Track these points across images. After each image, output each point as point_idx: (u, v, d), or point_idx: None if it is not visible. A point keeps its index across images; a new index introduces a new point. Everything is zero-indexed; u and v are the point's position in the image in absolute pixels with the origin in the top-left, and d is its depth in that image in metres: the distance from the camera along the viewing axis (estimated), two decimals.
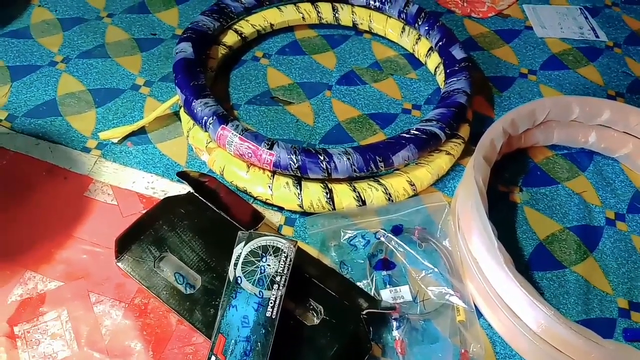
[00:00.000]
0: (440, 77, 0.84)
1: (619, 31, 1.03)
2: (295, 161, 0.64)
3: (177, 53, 0.76)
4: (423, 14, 0.86)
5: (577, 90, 0.90)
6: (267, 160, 0.65)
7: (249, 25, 0.87)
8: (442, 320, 0.60)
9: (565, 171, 0.78)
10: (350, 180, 0.69)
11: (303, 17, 0.91)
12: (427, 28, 0.85)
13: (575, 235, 0.71)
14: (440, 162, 0.72)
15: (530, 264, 0.68)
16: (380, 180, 0.69)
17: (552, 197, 0.75)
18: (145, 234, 0.60)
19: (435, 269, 0.63)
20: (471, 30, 0.98)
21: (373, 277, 0.63)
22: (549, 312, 0.54)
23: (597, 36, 1.01)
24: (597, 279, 0.67)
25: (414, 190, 0.70)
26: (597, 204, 0.75)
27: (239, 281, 0.53)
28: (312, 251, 0.65)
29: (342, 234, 0.66)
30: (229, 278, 0.54)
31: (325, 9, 0.91)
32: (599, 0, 1.09)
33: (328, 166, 0.65)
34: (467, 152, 0.76)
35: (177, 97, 0.73)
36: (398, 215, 0.68)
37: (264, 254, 0.55)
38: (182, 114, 0.75)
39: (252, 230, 0.58)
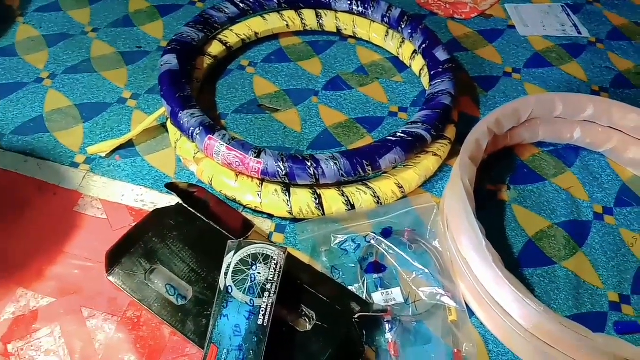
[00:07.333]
0: (425, 79, 0.85)
1: (601, 27, 1.04)
2: (283, 168, 0.65)
3: (162, 65, 0.76)
4: (406, 17, 0.87)
5: (561, 87, 0.91)
6: (255, 169, 0.65)
7: (233, 35, 0.88)
8: (434, 321, 0.61)
9: (552, 168, 0.79)
10: (338, 185, 0.69)
11: (287, 25, 0.91)
12: (410, 31, 0.86)
13: (564, 231, 0.72)
14: (428, 163, 0.73)
15: (521, 261, 0.68)
16: (369, 184, 0.70)
17: (539, 194, 0.75)
18: (135, 246, 0.60)
19: (426, 270, 0.64)
20: (454, 32, 0.99)
21: (364, 280, 0.63)
22: (538, 308, 0.54)
23: (579, 33, 1.02)
24: (587, 274, 0.68)
25: (402, 192, 0.71)
26: (584, 199, 0.76)
27: (230, 290, 0.53)
28: (304, 257, 0.65)
29: (333, 238, 0.66)
30: (219, 287, 0.54)
31: (309, 16, 0.92)
32: None
33: (316, 172, 0.65)
34: (454, 152, 0.76)
35: (164, 109, 0.74)
36: (387, 218, 0.68)
37: (254, 262, 0.55)
38: (169, 125, 0.75)
39: (241, 239, 0.58)
